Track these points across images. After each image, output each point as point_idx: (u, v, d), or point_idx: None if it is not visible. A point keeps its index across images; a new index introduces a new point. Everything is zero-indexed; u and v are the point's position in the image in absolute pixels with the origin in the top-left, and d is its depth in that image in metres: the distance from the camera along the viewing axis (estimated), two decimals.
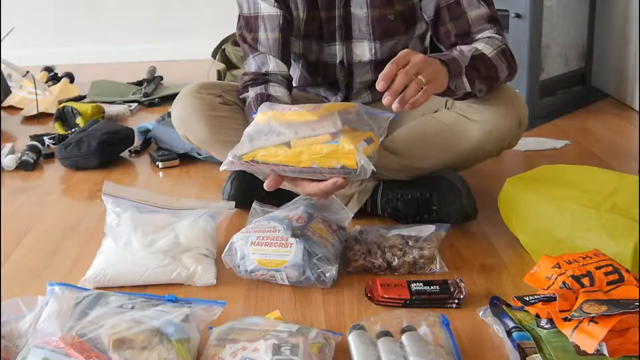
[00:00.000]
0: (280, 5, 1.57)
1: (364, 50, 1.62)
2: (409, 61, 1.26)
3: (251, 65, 1.59)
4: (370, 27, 1.58)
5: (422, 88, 1.25)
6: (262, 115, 1.32)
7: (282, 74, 1.58)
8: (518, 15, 2.37)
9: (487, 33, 1.51)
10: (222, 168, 1.31)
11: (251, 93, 1.55)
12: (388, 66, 1.25)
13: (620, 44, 2.59)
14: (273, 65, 1.57)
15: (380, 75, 1.25)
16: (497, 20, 1.54)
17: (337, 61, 1.64)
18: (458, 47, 1.46)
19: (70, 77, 3.18)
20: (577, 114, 2.50)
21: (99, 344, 0.99)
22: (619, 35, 2.59)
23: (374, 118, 1.34)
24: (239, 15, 1.61)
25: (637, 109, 2.49)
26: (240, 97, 1.59)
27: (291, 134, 1.26)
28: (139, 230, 1.39)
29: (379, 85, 1.24)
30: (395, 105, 1.24)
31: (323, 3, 1.58)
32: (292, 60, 1.68)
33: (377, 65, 1.62)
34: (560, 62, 2.55)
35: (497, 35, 1.51)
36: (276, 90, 1.54)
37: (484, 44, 1.48)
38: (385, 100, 1.24)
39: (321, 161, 1.24)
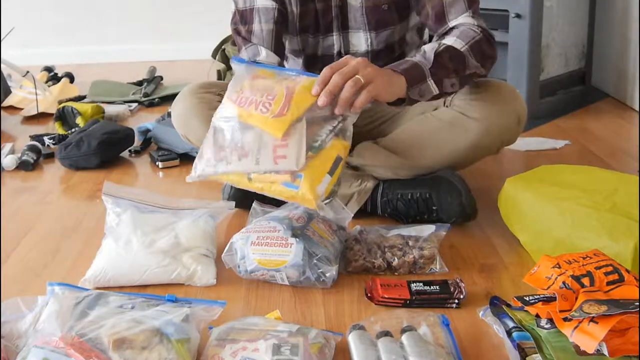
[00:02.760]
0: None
1: (360, 40, 1.62)
2: (347, 64, 1.25)
3: (243, 57, 1.59)
4: (364, 17, 1.58)
5: (363, 89, 1.22)
6: (233, 97, 1.26)
7: (272, 64, 1.56)
8: (518, 15, 2.37)
9: (461, 19, 1.49)
10: (188, 179, 1.28)
11: None
12: (324, 71, 1.23)
13: (620, 44, 2.59)
14: (264, 55, 1.56)
15: (316, 81, 1.23)
16: (475, 2, 1.51)
17: (335, 52, 1.64)
18: (422, 48, 1.43)
19: (70, 77, 3.18)
20: (577, 114, 2.50)
21: (99, 344, 0.99)
22: (619, 35, 2.59)
23: None
24: (234, 11, 1.61)
25: (637, 109, 2.49)
26: None
27: (251, 162, 1.21)
28: (139, 230, 1.39)
29: (313, 91, 1.22)
30: (337, 109, 1.22)
31: None
32: (293, 56, 1.68)
33: (375, 55, 1.63)
34: (560, 62, 2.55)
35: (472, 22, 1.48)
36: None
37: (455, 37, 1.45)
38: (320, 101, 1.21)
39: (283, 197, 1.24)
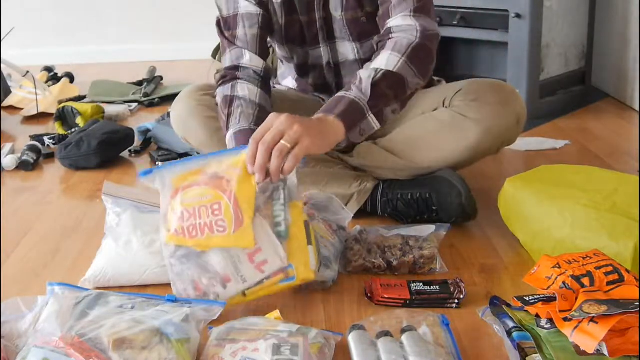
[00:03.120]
0: (261, 5, 1.56)
1: (347, 50, 1.62)
2: (270, 127, 1.20)
3: (226, 60, 1.57)
4: (346, 28, 1.58)
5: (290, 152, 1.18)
6: (176, 227, 1.19)
7: (255, 69, 1.54)
8: (518, 15, 2.37)
9: (399, 19, 1.44)
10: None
11: (219, 96, 1.52)
12: (249, 145, 1.19)
13: (620, 44, 2.59)
14: (247, 59, 1.54)
15: (246, 160, 1.19)
16: (421, 1, 1.46)
17: (324, 63, 1.65)
18: (358, 74, 1.37)
19: (70, 77, 3.18)
20: (577, 114, 2.50)
21: (99, 344, 0.99)
22: (619, 35, 2.59)
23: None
24: (218, 17, 1.60)
25: (637, 109, 2.49)
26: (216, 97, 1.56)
27: (239, 283, 1.18)
28: (139, 230, 1.39)
29: (249, 170, 1.18)
30: (271, 180, 1.18)
31: (302, 7, 1.58)
32: (286, 62, 1.68)
33: (364, 63, 1.62)
34: (560, 62, 2.55)
35: (410, 22, 1.43)
36: (244, 88, 1.50)
37: (389, 52, 1.40)
38: (257, 179, 1.18)
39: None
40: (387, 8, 1.48)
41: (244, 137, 1.38)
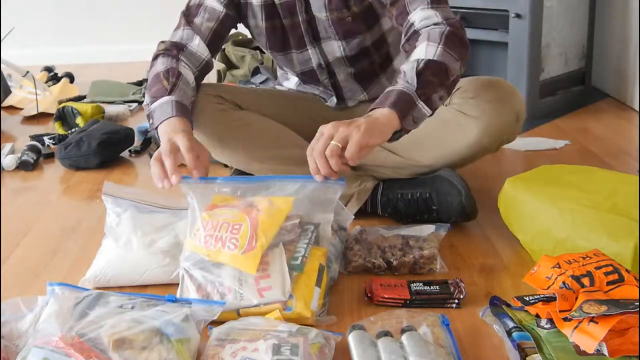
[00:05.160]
0: (229, 7, 1.58)
1: (333, 48, 1.63)
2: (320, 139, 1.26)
3: (175, 36, 1.60)
4: (332, 28, 1.58)
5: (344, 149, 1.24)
6: (198, 238, 1.24)
7: (199, 56, 1.57)
8: (518, 15, 2.37)
9: (419, 12, 1.45)
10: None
11: (159, 66, 1.51)
12: (309, 160, 1.27)
13: (620, 44, 2.59)
14: (196, 43, 1.57)
15: (312, 172, 1.27)
16: None
17: (315, 65, 1.65)
18: (401, 69, 1.37)
19: (70, 77, 3.18)
20: (577, 114, 2.50)
21: (99, 344, 0.99)
22: (619, 35, 2.59)
23: (320, 202, 1.31)
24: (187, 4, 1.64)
25: (637, 109, 2.49)
26: (151, 63, 1.56)
27: (236, 299, 1.19)
28: (139, 230, 1.39)
29: (318, 180, 1.27)
30: (319, 178, 1.27)
31: (284, 11, 1.59)
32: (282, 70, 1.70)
33: (350, 60, 1.64)
34: (560, 62, 2.55)
35: (432, 13, 1.44)
36: (186, 72, 1.52)
37: (425, 43, 1.39)
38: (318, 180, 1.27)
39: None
40: (403, 5, 1.48)
41: (182, 110, 1.40)
